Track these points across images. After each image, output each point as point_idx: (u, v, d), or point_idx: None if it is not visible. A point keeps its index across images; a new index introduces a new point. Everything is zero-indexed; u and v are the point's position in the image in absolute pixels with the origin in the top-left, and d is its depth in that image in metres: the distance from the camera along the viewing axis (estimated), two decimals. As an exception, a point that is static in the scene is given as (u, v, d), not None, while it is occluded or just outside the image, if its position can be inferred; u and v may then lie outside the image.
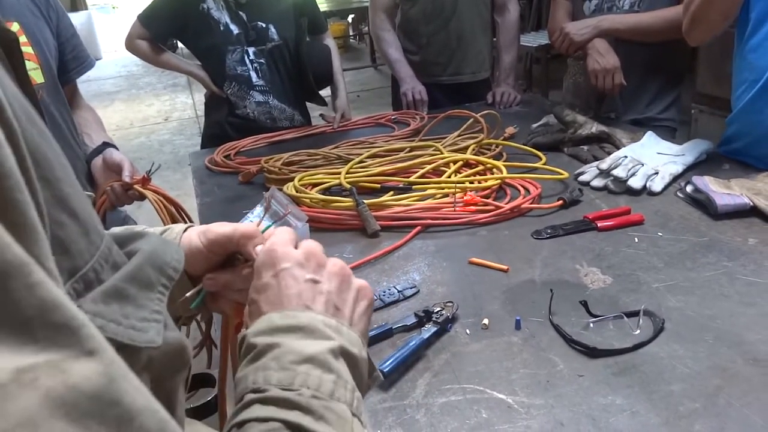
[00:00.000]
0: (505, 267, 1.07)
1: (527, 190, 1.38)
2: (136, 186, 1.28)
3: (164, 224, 1.29)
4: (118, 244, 0.34)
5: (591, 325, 0.88)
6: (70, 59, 1.40)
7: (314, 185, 1.43)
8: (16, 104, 0.26)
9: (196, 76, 1.97)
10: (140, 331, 0.31)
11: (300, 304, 0.45)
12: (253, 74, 1.94)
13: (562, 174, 1.40)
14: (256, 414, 0.36)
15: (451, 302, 0.95)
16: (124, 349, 0.30)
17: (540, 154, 1.56)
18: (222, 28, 1.88)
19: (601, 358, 0.83)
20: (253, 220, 1.22)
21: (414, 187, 1.40)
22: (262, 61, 1.94)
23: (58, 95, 1.32)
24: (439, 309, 0.94)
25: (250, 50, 1.93)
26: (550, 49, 3.98)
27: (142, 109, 6.05)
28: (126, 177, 1.28)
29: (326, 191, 1.40)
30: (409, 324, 0.92)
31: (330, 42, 2.13)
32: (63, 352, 0.22)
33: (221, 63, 1.91)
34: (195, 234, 0.56)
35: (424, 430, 0.73)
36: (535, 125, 1.77)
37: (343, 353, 0.42)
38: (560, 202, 1.31)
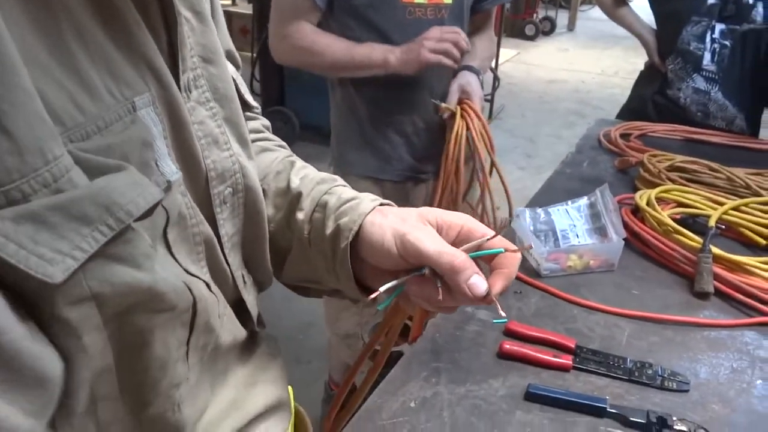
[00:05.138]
0: (844, 442, 0.69)
1: None
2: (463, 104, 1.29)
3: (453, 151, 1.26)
4: (90, 171, 0.33)
5: None
6: None
7: (678, 204, 1.16)
8: None
9: (642, 40, 1.76)
10: (45, 261, 0.30)
11: None
12: (707, 55, 1.62)
13: None
14: None
15: (707, 431, 0.67)
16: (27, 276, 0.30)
17: None
18: (695, -6, 1.60)
19: None
20: (569, 210, 1.08)
21: (809, 266, 0.99)
22: (726, 43, 1.59)
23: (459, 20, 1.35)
24: (683, 429, 0.68)
25: (718, 27, 1.59)
26: None
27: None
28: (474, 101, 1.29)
29: (688, 218, 1.12)
30: (630, 419, 0.70)
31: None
32: None
33: (676, 33, 1.65)
34: (390, 231, 0.50)
35: None
36: None
37: None
38: None
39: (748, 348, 0.85)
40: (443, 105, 1.33)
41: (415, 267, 0.50)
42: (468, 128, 1.31)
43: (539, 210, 1.06)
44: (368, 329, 1.46)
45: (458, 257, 0.46)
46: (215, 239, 0.48)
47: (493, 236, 0.49)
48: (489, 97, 4.54)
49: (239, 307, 0.54)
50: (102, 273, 0.34)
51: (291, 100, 3.85)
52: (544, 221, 1.04)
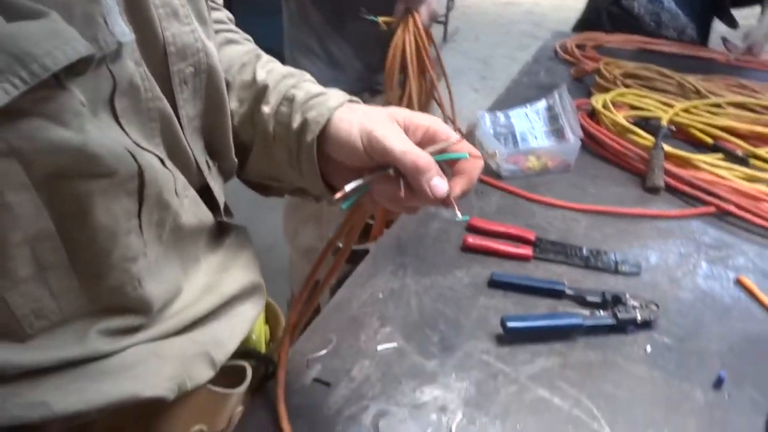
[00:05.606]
0: (778, 310, 0.75)
1: None
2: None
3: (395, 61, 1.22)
4: (10, 14, 0.30)
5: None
6: None
7: (632, 107, 1.19)
8: None
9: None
10: None
11: None
12: (661, -37, 1.62)
13: None
14: None
15: (658, 306, 0.72)
16: None
17: None
18: None
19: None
20: (528, 113, 1.10)
21: (752, 161, 1.04)
22: (680, -50, 1.59)
23: None
24: (635, 304, 0.72)
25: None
26: None
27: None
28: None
29: (641, 120, 1.15)
30: (587, 299, 0.74)
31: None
32: None
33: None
34: (357, 127, 0.50)
35: (494, 407, 0.60)
36: None
37: None
38: None
39: (694, 235, 0.90)
40: (380, 19, 1.28)
41: (379, 166, 0.50)
42: (408, 41, 1.27)
43: (499, 113, 1.07)
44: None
45: (422, 158, 0.46)
46: (174, 119, 0.46)
47: (458, 141, 0.49)
48: (443, 20, 4.45)
49: (205, 195, 0.53)
50: (20, 128, 0.32)
51: (240, 23, 3.69)
52: (503, 124, 1.05)
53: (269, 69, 0.59)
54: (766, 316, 0.75)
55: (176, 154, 0.47)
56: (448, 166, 0.52)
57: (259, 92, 0.57)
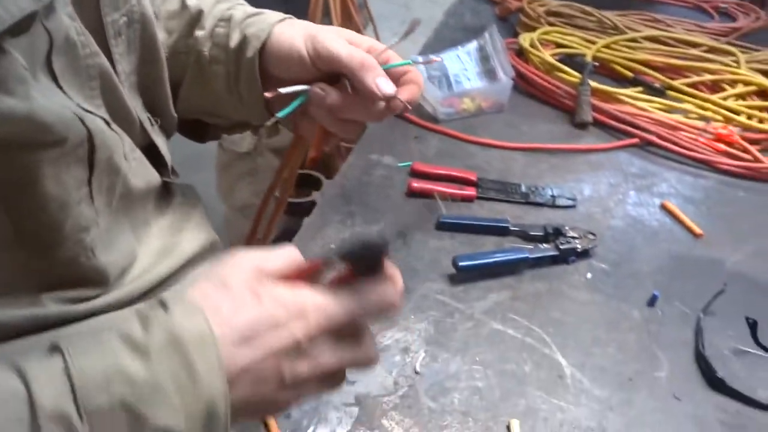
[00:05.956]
0: (699, 231, 0.81)
1: (820, 157, 1.00)
2: None
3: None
4: None
5: (741, 352, 0.64)
6: None
7: (558, 45, 1.22)
8: None
9: None
10: None
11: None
12: None
13: None
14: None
15: (594, 235, 0.77)
16: None
17: None
18: None
19: (721, 396, 0.60)
20: (461, 55, 1.10)
21: (669, 92, 1.10)
22: None
23: None
24: (574, 235, 0.76)
25: None
26: None
27: None
28: None
29: (566, 58, 1.18)
30: (530, 233, 0.77)
31: None
32: None
33: None
34: (300, 35, 0.48)
35: (453, 343, 0.63)
36: None
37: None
38: None
39: (622, 166, 0.96)
40: None
41: (327, 76, 0.49)
42: None
43: (431, 56, 1.07)
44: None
45: (368, 58, 0.47)
46: (114, 75, 0.44)
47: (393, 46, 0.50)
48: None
49: (151, 152, 0.51)
50: None
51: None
52: (436, 67, 1.05)
53: None
54: (688, 237, 0.82)
55: (119, 113, 0.45)
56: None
57: (192, 18, 0.55)
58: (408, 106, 0.51)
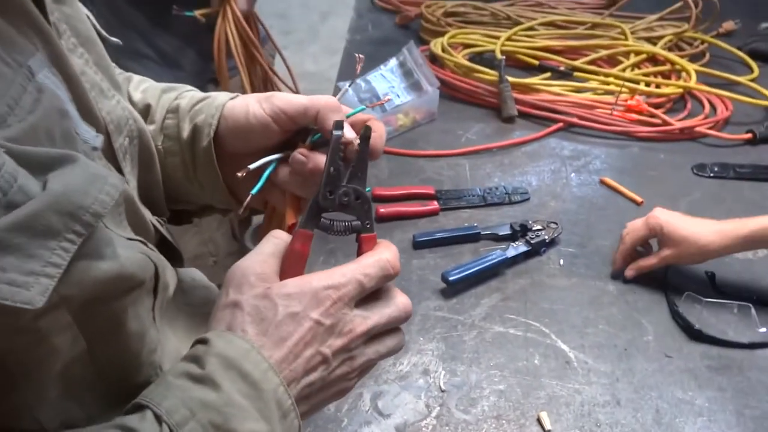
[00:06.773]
0: (639, 199, 0.91)
1: (713, 109, 1.13)
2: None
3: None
4: (36, 168, 0.29)
5: (707, 302, 0.73)
6: None
7: (466, 46, 1.29)
8: None
9: None
10: (19, 287, 0.27)
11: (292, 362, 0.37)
12: None
13: (768, 99, 1.11)
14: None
15: (556, 224, 0.84)
16: None
17: (754, 64, 1.25)
18: None
19: (703, 345, 0.69)
20: (385, 74, 1.14)
21: (575, 74, 1.20)
22: None
23: None
24: (539, 228, 0.83)
25: None
26: None
27: None
28: None
29: (476, 56, 1.25)
30: (500, 234, 0.83)
31: None
32: None
33: None
34: (254, 101, 0.48)
35: (466, 354, 0.68)
36: (765, 25, 1.40)
37: None
38: (749, 135, 1.05)
39: (555, 151, 1.04)
40: (196, 13, 1.21)
41: (285, 141, 0.50)
42: (230, 30, 1.23)
43: (359, 80, 1.10)
44: (215, 246, 1.42)
45: (332, 98, 0.47)
46: (132, 195, 0.45)
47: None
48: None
49: (164, 248, 0.51)
50: (69, 277, 0.31)
51: None
52: (366, 89, 1.09)
53: (144, 88, 0.56)
54: (632, 206, 0.91)
55: (141, 228, 0.45)
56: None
57: (141, 114, 0.54)
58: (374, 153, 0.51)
